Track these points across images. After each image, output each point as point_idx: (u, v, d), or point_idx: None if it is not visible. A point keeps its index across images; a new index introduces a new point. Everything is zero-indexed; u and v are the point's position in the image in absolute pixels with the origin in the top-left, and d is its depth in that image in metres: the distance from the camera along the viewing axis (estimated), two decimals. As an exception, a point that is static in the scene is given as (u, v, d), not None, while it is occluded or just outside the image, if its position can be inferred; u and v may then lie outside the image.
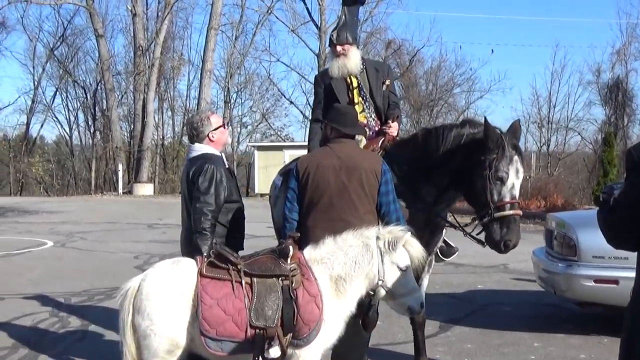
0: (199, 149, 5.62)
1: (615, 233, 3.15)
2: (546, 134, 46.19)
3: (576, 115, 47.08)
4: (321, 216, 5.14)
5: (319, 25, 41.55)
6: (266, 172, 35.29)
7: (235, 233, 5.58)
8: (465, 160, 5.53)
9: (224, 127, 5.77)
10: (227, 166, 5.62)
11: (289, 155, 33.94)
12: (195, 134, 5.62)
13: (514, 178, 5.42)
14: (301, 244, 4.83)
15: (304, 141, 40.57)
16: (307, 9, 42.46)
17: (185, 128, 6.40)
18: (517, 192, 5.46)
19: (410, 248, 4.60)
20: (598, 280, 7.45)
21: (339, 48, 6.43)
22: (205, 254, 4.65)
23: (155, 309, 4.27)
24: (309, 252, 4.59)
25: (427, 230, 5.82)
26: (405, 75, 42.89)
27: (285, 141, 44.60)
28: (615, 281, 6.68)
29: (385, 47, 44.76)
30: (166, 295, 4.29)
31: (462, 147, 5.58)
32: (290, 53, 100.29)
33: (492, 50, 67.47)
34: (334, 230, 4.82)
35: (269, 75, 47.29)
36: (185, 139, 42.39)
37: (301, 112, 47.60)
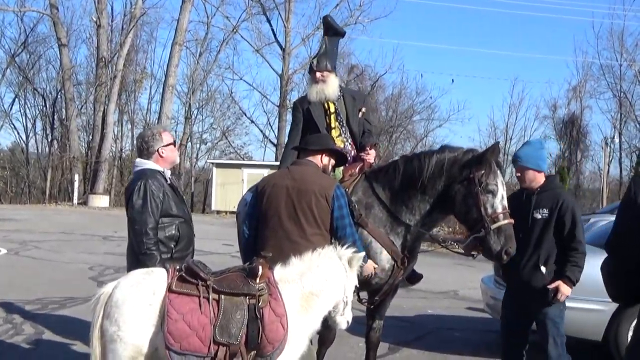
0: (141, 164, 5.65)
1: (613, 287, 3.19)
2: (503, 165, 46.92)
3: (531, 148, 47.93)
4: (271, 234, 5.42)
5: (283, 46, 41.92)
6: (224, 189, 35.30)
7: (181, 250, 5.56)
8: (452, 181, 5.83)
9: (174, 146, 5.81)
10: (169, 182, 5.63)
11: (247, 174, 34.06)
12: (145, 147, 5.64)
13: (502, 190, 5.77)
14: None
15: (263, 161, 40.49)
16: (273, 30, 42.91)
17: (135, 141, 6.50)
18: (506, 203, 5.78)
19: (359, 268, 4.90)
20: (543, 308, 7.71)
21: (318, 74, 6.69)
22: (177, 267, 4.69)
23: (122, 316, 4.40)
24: (278, 271, 4.74)
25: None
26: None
27: (244, 160, 44.70)
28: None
29: (348, 72, 45.27)
30: (134, 304, 4.42)
31: (447, 170, 5.85)
32: (253, 72, 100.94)
33: (453, 80, 68.76)
34: (281, 249, 5.10)
35: (231, 93, 47.60)
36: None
37: (261, 131, 47.93)
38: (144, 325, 4.41)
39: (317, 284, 4.68)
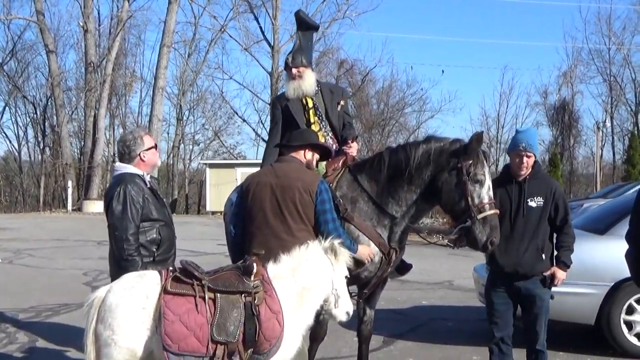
0: (120, 168, 5.61)
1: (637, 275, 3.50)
2: (495, 154, 46.97)
3: (524, 136, 47.95)
4: (256, 232, 5.43)
5: (272, 44, 41.83)
6: (218, 189, 35.30)
7: (163, 253, 5.55)
8: (440, 171, 5.82)
9: (156, 149, 5.76)
10: (149, 186, 5.58)
11: (240, 173, 34.02)
12: (126, 151, 5.58)
13: (489, 180, 5.78)
14: (241, 258, 5.10)
15: (256, 159, 40.70)
16: (261, 28, 42.79)
17: (117, 145, 6.47)
18: (492, 193, 5.79)
19: (346, 258, 4.90)
20: (534, 295, 7.74)
21: (294, 70, 6.63)
22: (171, 268, 4.68)
23: (116, 321, 4.39)
24: (272, 268, 4.74)
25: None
26: (357, 95, 43.37)
27: (237, 159, 44.69)
28: (550, 297, 6.96)
29: (338, 67, 45.27)
30: (128, 308, 4.41)
31: (434, 160, 5.84)
32: (243, 71, 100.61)
33: (443, 71, 68.43)
34: (267, 246, 5.09)
35: (222, 93, 47.46)
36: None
37: (254, 130, 47.86)
38: (138, 329, 4.40)
39: (308, 279, 4.70)
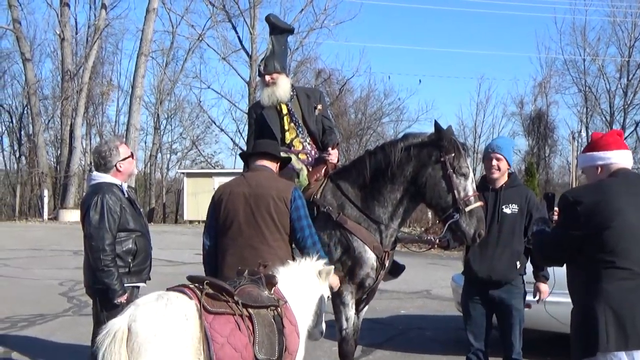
0: (98, 177, 5.56)
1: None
2: (472, 163, 46.99)
3: (500, 146, 48.25)
4: (230, 242, 5.34)
5: (250, 53, 41.77)
6: (195, 199, 35.14)
7: (138, 264, 5.50)
8: (422, 166, 5.78)
9: (132, 158, 5.73)
10: (126, 195, 5.54)
11: (218, 182, 33.82)
12: (102, 162, 5.55)
13: (472, 172, 5.79)
14: (216, 270, 5.13)
15: (234, 168, 40.56)
16: (239, 37, 42.70)
17: (92, 156, 6.37)
18: (475, 185, 5.80)
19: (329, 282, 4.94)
20: (512, 304, 7.76)
21: (267, 77, 6.56)
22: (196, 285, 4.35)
23: (159, 351, 3.95)
24: (281, 281, 4.62)
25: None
26: (335, 104, 43.38)
27: (215, 168, 44.53)
28: (528, 305, 6.99)
29: (316, 76, 45.26)
30: (169, 333, 4.00)
31: (415, 155, 5.80)
32: (221, 80, 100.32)
33: (420, 81, 68.74)
34: (242, 256, 5.08)
35: (200, 102, 47.29)
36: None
37: (231, 139, 47.69)
38: (184, 355, 4.03)
39: (306, 294, 4.69)
